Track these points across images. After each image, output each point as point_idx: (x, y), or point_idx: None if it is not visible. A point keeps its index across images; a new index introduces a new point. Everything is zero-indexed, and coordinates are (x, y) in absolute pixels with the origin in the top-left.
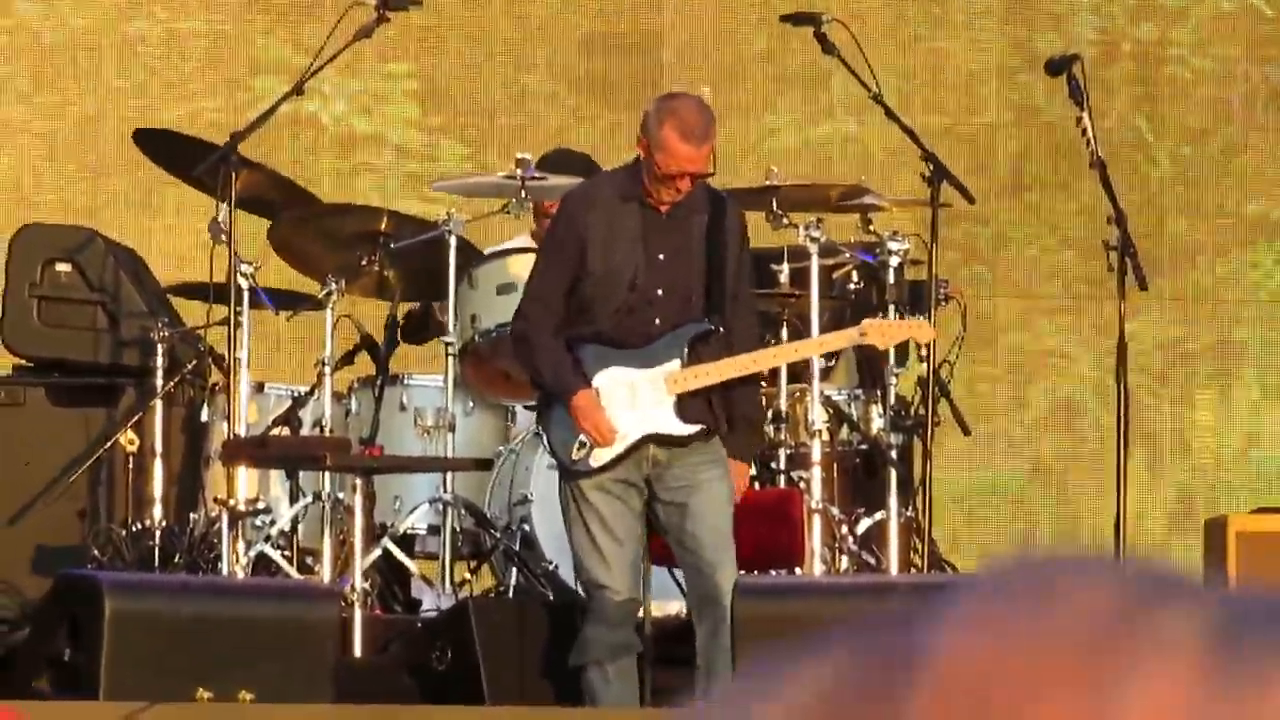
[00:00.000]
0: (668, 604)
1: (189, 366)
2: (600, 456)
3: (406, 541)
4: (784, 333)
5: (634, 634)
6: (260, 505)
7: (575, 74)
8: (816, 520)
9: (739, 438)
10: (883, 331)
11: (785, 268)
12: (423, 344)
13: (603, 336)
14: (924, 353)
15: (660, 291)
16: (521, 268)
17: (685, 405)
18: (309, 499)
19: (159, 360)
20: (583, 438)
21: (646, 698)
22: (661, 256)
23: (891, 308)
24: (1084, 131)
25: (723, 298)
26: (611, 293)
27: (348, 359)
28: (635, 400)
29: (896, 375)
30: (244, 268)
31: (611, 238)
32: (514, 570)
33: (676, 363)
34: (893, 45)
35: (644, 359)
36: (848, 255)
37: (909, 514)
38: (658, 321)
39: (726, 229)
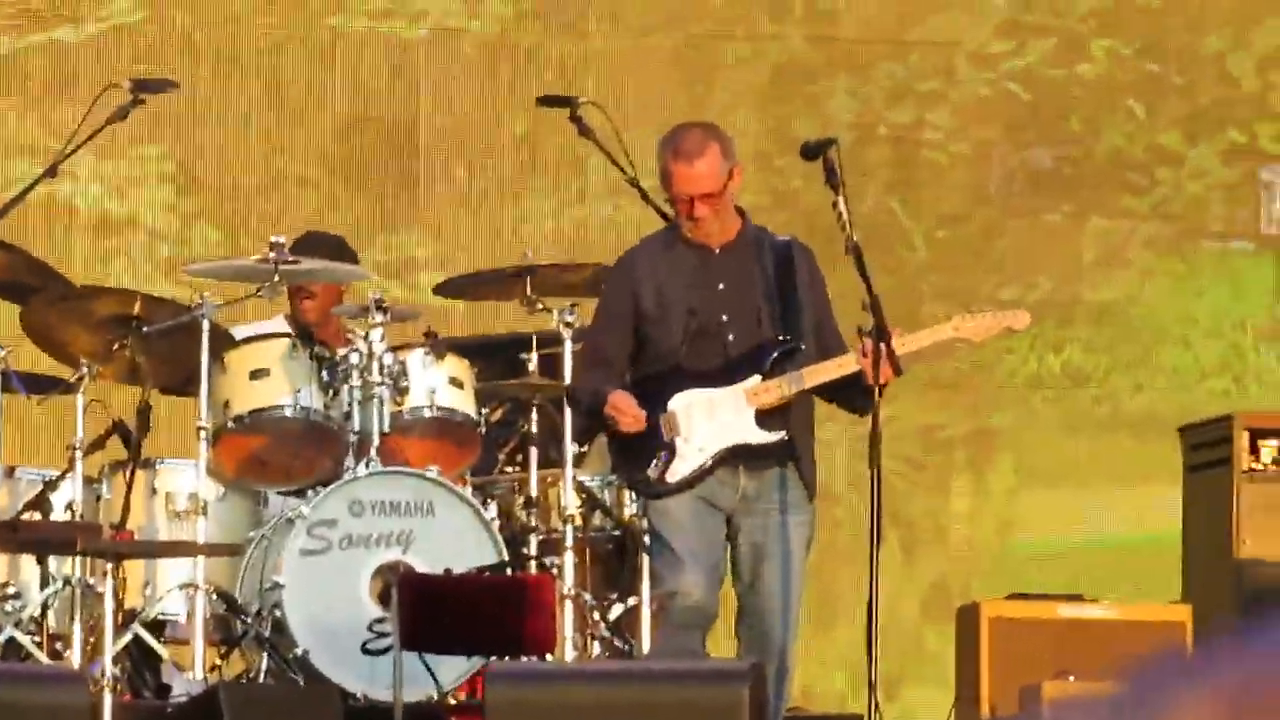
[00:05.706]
0: (420, 690)
1: None
2: (677, 471)
3: (157, 626)
4: (534, 416)
5: (700, 645)
6: (10, 590)
7: (330, 158)
8: (569, 606)
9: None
10: (976, 325)
11: (534, 356)
12: None
13: (677, 368)
14: None
15: (725, 316)
16: (274, 353)
17: (765, 417)
18: (59, 584)
19: None
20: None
21: None
22: (722, 285)
23: None
24: (840, 216)
25: (798, 321)
26: (673, 324)
27: (99, 443)
28: (713, 413)
29: None
30: None
31: (664, 278)
32: (265, 656)
33: (757, 377)
34: (649, 128)
35: (722, 378)
36: None
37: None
38: (731, 338)
39: (793, 262)
